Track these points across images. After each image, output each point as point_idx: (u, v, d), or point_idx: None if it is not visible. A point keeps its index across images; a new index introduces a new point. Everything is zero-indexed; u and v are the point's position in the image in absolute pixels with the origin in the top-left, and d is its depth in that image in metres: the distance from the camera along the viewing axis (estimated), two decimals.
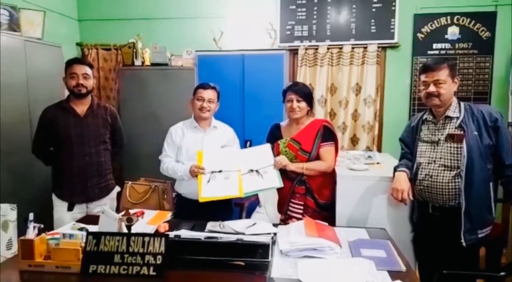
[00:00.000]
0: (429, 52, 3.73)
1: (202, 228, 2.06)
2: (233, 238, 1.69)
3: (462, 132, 1.90)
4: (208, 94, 2.44)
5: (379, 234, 2.02)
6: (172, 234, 1.73)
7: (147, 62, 3.93)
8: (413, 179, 2.07)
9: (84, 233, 1.63)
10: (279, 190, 2.48)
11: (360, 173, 2.32)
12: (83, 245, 1.59)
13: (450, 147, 1.94)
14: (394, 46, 3.76)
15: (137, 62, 3.96)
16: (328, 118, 3.81)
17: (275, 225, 2.13)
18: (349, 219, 2.27)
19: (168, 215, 2.23)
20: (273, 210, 3.08)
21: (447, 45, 3.69)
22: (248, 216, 3.14)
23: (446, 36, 3.69)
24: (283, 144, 2.39)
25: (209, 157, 2.33)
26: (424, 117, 2.11)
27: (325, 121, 2.41)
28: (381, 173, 2.33)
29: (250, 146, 3.72)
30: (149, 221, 2.10)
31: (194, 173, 2.27)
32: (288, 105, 2.37)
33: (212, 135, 2.51)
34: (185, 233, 1.75)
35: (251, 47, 3.80)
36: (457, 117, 1.95)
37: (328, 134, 2.34)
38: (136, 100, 3.88)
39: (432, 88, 1.95)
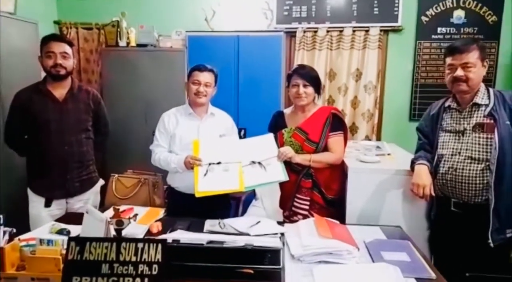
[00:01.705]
0: (433, 36, 3.55)
1: (199, 227, 1.85)
2: (240, 242, 1.47)
3: (492, 121, 1.71)
4: (205, 77, 2.19)
5: (396, 233, 1.84)
6: (169, 237, 1.50)
7: (133, 43, 3.65)
8: (433, 172, 1.88)
9: (65, 238, 1.37)
10: (282, 183, 2.26)
11: (373, 166, 2.13)
12: (64, 252, 1.34)
13: (479, 137, 1.75)
14: (397, 30, 3.56)
15: (122, 43, 3.66)
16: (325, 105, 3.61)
17: (279, 223, 1.92)
18: (360, 215, 2.08)
19: (161, 213, 2.00)
20: (271, 203, 2.89)
21: (452, 30, 3.52)
22: (245, 210, 2.93)
23: (451, 20, 3.51)
24: (287, 133, 2.17)
25: (206, 147, 2.09)
26: (446, 104, 1.92)
27: (334, 109, 2.20)
28: (396, 165, 2.14)
29: (245, 135, 3.50)
30: (140, 219, 1.86)
31: (190, 165, 2.04)
32: (293, 90, 2.15)
33: (209, 123, 2.27)
34: (184, 236, 1.52)
35: (246, 28, 3.55)
36: (486, 105, 1.76)
37: (337, 123, 2.14)
38: (120, 84, 3.63)
39: (459, 72, 1.75)
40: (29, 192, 2.28)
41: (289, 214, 2.18)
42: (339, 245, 1.57)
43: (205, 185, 1.95)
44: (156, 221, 1.91)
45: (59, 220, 2.00)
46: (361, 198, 2.08)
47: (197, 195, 1.93)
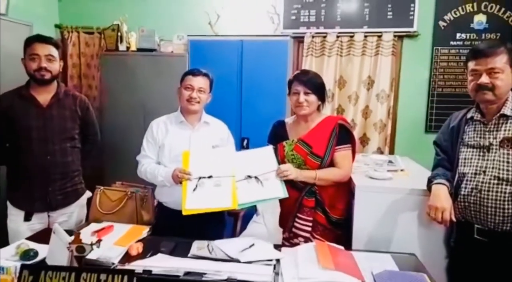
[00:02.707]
0: (452, 42, 3.30)
1: (185, 250, 1.65)
2: (223, 273, 1.25)
3: None
4: (199, 82, 2.00)
5: (410, 263, 1.60)
6: (141, 266, 1.29)
7: (133, 48, 3.50)
8: (453, 194, 1.64)
9: (18, 265, 1.18)
10: (281, 200, 2.05)
11: (384, 183, 1.89)
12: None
13: (507, 154, 1.51)
14: (412, 35, 3.32)
15: (122, 47, 3.51)
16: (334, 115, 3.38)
17: (277, 247, 1.70)
18: (368, 240, 1.84)
19: (144, 232, 1.79)
20: (273, 220, 2.66)
21: (473, 36, 3.26)
22: (244, 226, 2.71)
23: (471, 25, 3.25)
24: (289, 146, 1.95)
25: (197, 159, 1.89)
26: (468, 115, 1.68)
27: (341, 119, 1.98)
28: (410, 183, 1.90)
29: (247, 145, 3.30)
30: (118, 240, 1.66)
31: (178, 179, 1.84)
32: (294, 98, 1.94)
33: (201, 133, 2.07)
34: (159, 265, 1.31)
35: (251, 33, 3.36)
36: None
37: (344, 135, 1.92)
38: (119, 90, 3.48)
39: (484, 78, 1.52)
40: (8, 204, 2.11)
41: (288, 236, 1.95)
42: (342, 278, 1.34)
43: (193, 202, 1.75)
44: (138, 241, 1.71)
45: (34, 236, 1.81)
46: (369, 220, 1.85)
47: (184, 213, 1.73)
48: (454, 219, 1.57)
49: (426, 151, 3.27)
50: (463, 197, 1.62)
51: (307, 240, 1.89)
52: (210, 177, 1.82)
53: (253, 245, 1.68)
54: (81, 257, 1.24)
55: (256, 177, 1.82)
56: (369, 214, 1.85)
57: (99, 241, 1.27)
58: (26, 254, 1.47)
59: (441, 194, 1.59)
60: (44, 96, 2.10)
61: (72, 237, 1.24)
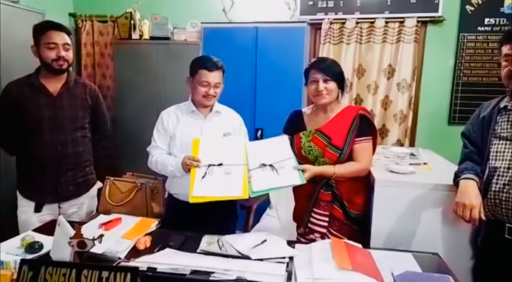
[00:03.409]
0: (480, 28, 3.11)
1: (195, 244, 1.58)
2: (232, 272, 1.18)
3: None
4: (215, 77, 1.90)
5: (433, 263, 1.49)
6: (146, 262, 1.23)
7: (146, 36, 3.46)
8: (483, 190, 1.51)
9: (18, 260, 1.13)
10: (296, 194, 1.96)
11: (406, 177, 1.77)
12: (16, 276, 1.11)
13: None
14: (437, 21, 3.14)
15: (135, 36, 3.48)
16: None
17: (291, 243, 1.62)
18: (387, 237, 1.74)
19: (153, 225, 1.73)
20: (286, 213, 2.58)
21: (502, 21, 3.06)
22: (257, 220, 2.64)
23: (501, 9, 3.06)
24: (306, 137, 1.85)
25: (208, 147, 1.79)
26: (502, 105, 1.54)
27: (362, 109, 1.85)
28: (434, 178, 1.77)
29: (261, 136, 3.21)
30: (126, 233, 1.60)
31: (187, 167, 1.76)
32: (312, 87, 1.83)
33: (214, 123, 1.99)
34: (165, 262, 1.24)
35: (266, 20, 3.25)
36: None
37: (365, 126, 1.81)
38: (132, 79, 3.48)
39: None
40: (18, 195, 2.08)
41: (304, 232, 1.86)
42: (360, 279, 1.25)
43: (201, 189, 1.63)
44: (147, 234, 1.65)
45: (41, 228, 1.78)
46: (389, 216, 1.74)
47: (191, 201, 1.61)
48: (483, 217, 1.45)
49: (449, 143, 3.13)
50: (494, 194, 1.49)
51: (323, 235, 1.80)
52: (220, 164, 1.71)
53: (265, 241, 1.60)
54: (83, 253, 1.18)
55: (271, 165, 1.72)
56: (389, 210, 1.74)
57: (101, 236, 1.21)
58: (31, 247, 1.43)
59: (470, 190, 1.47)
60: (54, 85, 2.05)
61: (74, 231, 1.18)
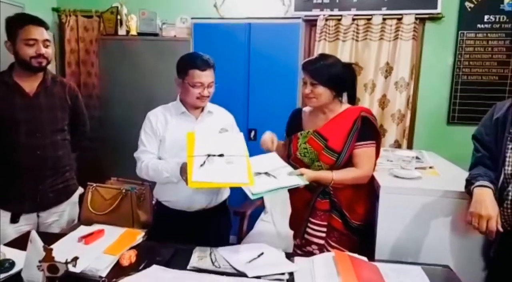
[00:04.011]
0: (479, 25, 3.02)
1: (185, 258, 1.45)
2: None
3: None
4: (208, 77, 1.75)
5: (444, 276, 1.39)
6: None
7: (133, 32, 3.30)
8: (498, 197, 1.40)
9: None
10: (292, 200, 1.84)
11: (412, 184, 1.66)
12: None
13: None
14: (435, 18, 3.05)
15: (121, 32, 3.32)
16: None
17: (289, 256, 1.49)
18: (394, 248, 1.62)
19: (139, 237, 1.59)
20: (282, 218, 2.47)
21: (502, 18, 2.97)
22: (251, 226, 2.51)
23: (501, 7, 2.97)
24: (303, 138, 1.72)
25: (204, 140, 1.63)
26: None
27: (365, 111, 1.70)
28: (443, 183, 1.66)
29: (255, 137, 3.08)
30: (109, 247, 1.46)
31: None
32: (303, 88, 1.71)
33: (206, 124, 1.85)
34: None
35: (260, 16, 3.13)
36: None
37: (368, 129, 1.66)
38: (119, 77, 3.32)
39: None
40: None
41: (300, 243, 1.74)
42: None
43: (201, 174, 1.45)
44: (132, 248, 1.51)
45: (17, 240, 1.63)
46: (396, 225, 1.62)
47: (189, 186, 1.44)
48: (501, 229, 1.34)
49: (448, 144, 3.07)
50: (510, 202, 1.38)
51: (321, 247, 1.68)
52: (221, 155, 1.54)
53: (262, 254, 1.48)
54: (54, 279, 1.03)
55: (266, 173, 1.58)
56: (395, 219, 1.62)
57: (75, 259, 1.07)
58: (1, 265, 1.28)
59: (487, 199, 1.35)
60: (30, 84, 1.89)
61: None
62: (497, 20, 2.99)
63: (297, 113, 1.85)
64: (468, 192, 1.46)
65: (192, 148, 1.56)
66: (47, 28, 1.91)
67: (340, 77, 1.66)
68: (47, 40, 1.87)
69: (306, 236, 1.71)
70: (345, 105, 1.74)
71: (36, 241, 1.17)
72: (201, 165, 1.48)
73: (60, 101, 1.96)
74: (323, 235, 1.68)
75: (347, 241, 1.68)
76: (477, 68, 3.05)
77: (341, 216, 1.67)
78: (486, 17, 3.00)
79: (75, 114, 2.04)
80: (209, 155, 1.52)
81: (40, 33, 1.85)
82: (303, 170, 1.60)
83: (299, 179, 1.54)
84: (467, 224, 1.41)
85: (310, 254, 1.64)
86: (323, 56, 1.72)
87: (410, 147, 3.16)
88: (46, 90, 1.91)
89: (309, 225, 1.71)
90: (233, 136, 1.76)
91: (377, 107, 3.17)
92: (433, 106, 3.17)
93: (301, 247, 1.74)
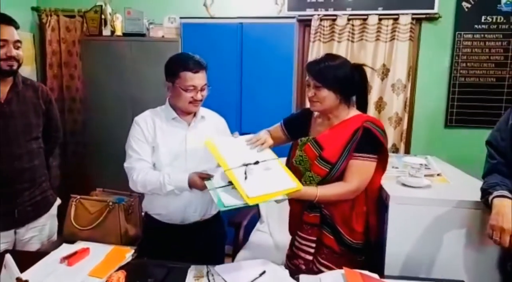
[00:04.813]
0: (476, 26, 2.96)
1: (180, 278, 1.32)
2: None
3: None
4: (200, 79, 1.62)
5: None
6: None
7: (118, 32, 3.17)
8: None
9: None
10: (290, 201, 1.69)
11: (423, 193, 1.54)
12: None
13: None
14: (432, 18, 2.98)
15: (106, 32, 3.18)
16: None
17: (293, 273, 1.37)
18: (405, 263, 1.50)
19: (128, 255, 1.44)
20: (279, 228, 2.34)
21: (500, 18, 2.92)
22: (247, 237, 2.38)
23: (499, 7, 2.92)
24: (301, 144, 1.59)
25: (227, 147, 1.53)
26: None
27: (370, 120, 1.53)
28: (455, 193, 1.56)
29: None
30: (95, 269, 1.31)
31: (201, 182, 1.49)
32: (306, 91, 1.58)
33: (198, 130, 1.71)
34: None
35: (252, 15, 3.02)
36: None
37: (367, 141, 1.49)
38: (104, 80, 3.21)
39: None
40: None
41: (290, 253, 1.63)
42: None
43: (254, 188, 1.35)
44: (121, 268, 1.36)
45: None
46: (406, 238, 1.50)
47: (251, 203, 1.32)
48: None
49: (445, 148, 3.00)
50: None
51: (308, 263, 1.55)
52: (256, 162, 1.44)
53: (264, 272, 1.35)
54: None
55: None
56: (406, 231, 1.50)
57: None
58: None
59: (509, 211, 1.25)
60: (0, 90, 1.72)
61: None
62: (494, 20, 2.94)
63: (308, 115, 1.69)
64: (485, 202, 1.36)
65: (221, 158, 1.47)
66: (17, 27, 1.75)
67: (346, 80, 1.52)
68: (18, 41, 1.70)
69: (294, 249, 1.60)
70: (354, 112, 1.59)
71: (10, 268, 1.02)
72: (245, 178, 1.39)
73: (33, 106, 1.79)
74: (312, 250, 1.55)
75: (339, 260, 1.50)
76: (475, 69, 2.99)
77: (334, 232, 1.53)
78: (483, 17, 2.94)
79: (48, 119, 1.88)
80: (246, 164, 1.43)
81: (11, 34, 1.68)
82: None
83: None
84: (488, 237, 1.30)
85: (297, 268, 1.54)
86: (329, 56, 1.59)
87: (407, 150, 3.09)
88: (18, 96, 1.74)
89: (297, 238, 1.60)
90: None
91: (373, 110, 3.09)
92: (430, 109, 3.10)
93: (290, 259, 1.62)
